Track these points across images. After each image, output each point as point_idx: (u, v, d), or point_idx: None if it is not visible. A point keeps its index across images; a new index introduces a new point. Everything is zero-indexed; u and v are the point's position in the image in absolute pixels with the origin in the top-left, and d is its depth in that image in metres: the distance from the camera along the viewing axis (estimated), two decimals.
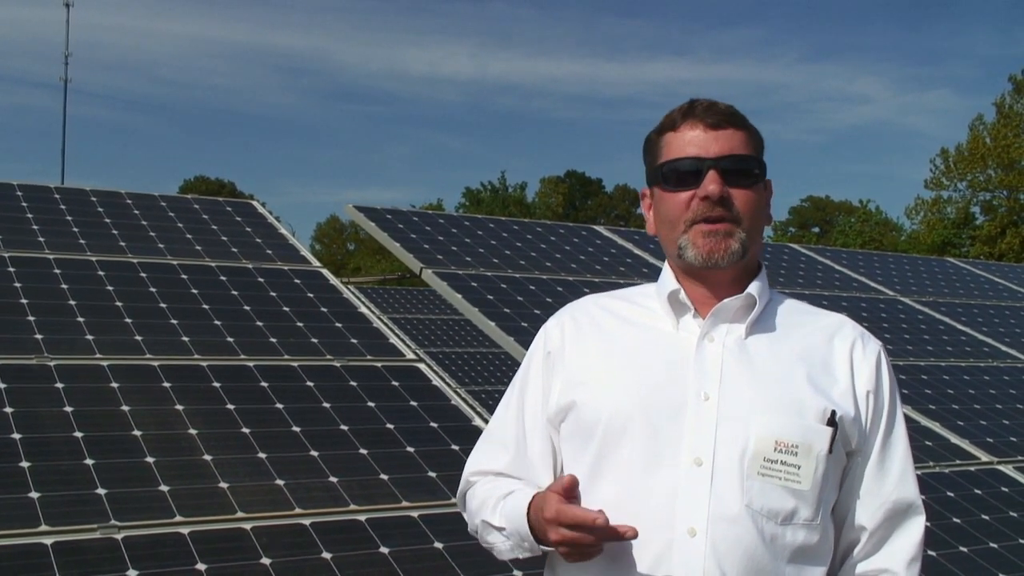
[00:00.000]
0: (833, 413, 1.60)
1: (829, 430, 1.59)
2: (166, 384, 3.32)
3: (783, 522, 1.56)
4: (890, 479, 1.67)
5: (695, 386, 1.61)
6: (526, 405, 1.75)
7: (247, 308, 4.00)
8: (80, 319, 3.64)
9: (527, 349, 1.82)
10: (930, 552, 3.32)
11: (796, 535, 1.57)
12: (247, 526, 2.71)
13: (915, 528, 1.68)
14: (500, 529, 1.66)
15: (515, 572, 2.72)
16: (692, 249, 1.65)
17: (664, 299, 1.70)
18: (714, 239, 1.63)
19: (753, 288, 1.68)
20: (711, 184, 1.62)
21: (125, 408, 3.14)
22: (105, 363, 3.38)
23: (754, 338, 1.67)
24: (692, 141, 1.65)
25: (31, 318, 3.57)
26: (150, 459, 2.91)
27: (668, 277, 1.72)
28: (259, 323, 3.89)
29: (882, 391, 1.68)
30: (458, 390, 9.80)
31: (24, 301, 3.68)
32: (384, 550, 2.74)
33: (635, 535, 1.49)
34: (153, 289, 3.98)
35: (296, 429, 3.23)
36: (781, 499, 1.56)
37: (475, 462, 1.81)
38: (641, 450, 1.58)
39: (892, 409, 1.69)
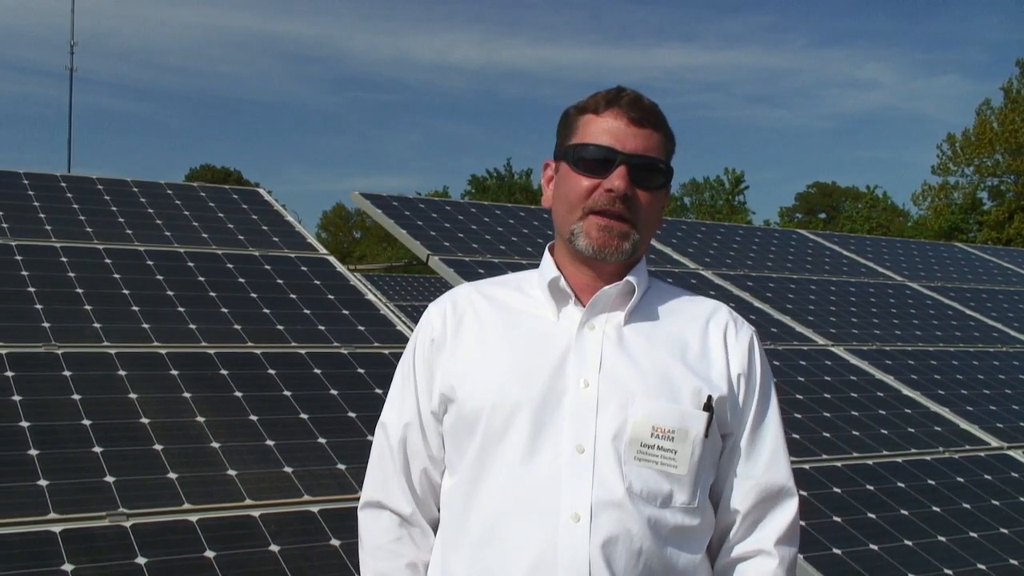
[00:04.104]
0: (709, 398, 1.61)
1: (705, 415, 1.60)
2: (173, 372, 3.32)
3: (662, 505, 1.58)
4: (760, 462, 1.68)
5: (575, 374, 1.61)
6: (420, 403, 1.73)
7: (254, 295, 3.99)
8: (87, 307, 3.63)
9: None
10: (940, 537, 3.32)
11: (675, 518, 1.59)
12: (255, 513, 2.71)
13: (787, 511, 1.69)
14: None
15: None
16: (585, 239, 1.64)
17: (544, 287, 1.70)
18: (608, 235, 1.63)
19: (632, 277, 1.68)
20: (617, 179, 1.62)
21: (133, 396, 3.14)
22: (112, 351, 3.38)
23: (633, 325, 1.67)
24: (610, 130, 1.64)
25: (38, 306, 3.57)
26: (158, 447, 2.91)
27: (549, 264, 1.71)
28: (266, 310, 3.89)
29: (754, 374, 1.70)
30: None
31: (31, 289, 3.68)
32: None
33: None
34: (160, 277, 3.98)
35: (304, 416, 3.22)
36: (658, 483, 1.58)
37: (377, 485, 1.76)
38: (524, 439, 1.58)
39: (764, 393, 1.70)
